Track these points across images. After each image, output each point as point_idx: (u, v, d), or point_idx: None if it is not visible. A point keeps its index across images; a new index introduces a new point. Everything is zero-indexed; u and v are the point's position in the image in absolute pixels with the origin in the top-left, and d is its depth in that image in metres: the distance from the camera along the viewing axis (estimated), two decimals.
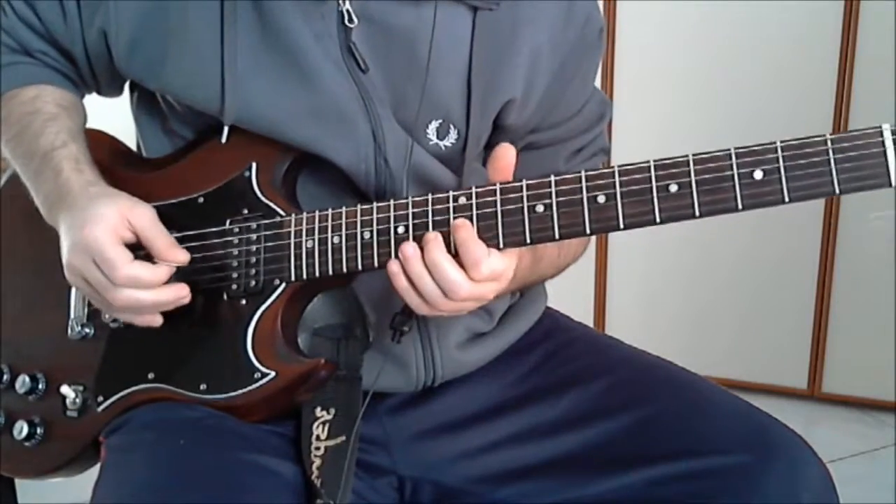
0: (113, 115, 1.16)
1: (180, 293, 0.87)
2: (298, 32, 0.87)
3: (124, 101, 1.06)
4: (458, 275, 0.78)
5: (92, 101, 1.06)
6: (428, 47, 0.88)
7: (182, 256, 0.87)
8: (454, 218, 0.80)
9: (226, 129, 0.91)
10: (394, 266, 0.81)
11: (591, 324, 2.50)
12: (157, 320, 0.88)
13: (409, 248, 0.80)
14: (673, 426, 0.91)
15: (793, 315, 2.40)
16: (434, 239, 0.79)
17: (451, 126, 0.92)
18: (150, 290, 0.85)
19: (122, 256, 0.84)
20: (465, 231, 0.79)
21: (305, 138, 0.88)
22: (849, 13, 2.19)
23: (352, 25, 0.87)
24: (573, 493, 0.91)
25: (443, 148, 0.93)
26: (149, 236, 0.86)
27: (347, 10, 0.87)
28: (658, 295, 2.51)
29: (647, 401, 0.93)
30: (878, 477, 2.09)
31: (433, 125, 0.92)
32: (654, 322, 2.50)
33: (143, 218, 0.87)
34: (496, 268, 0.79)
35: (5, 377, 1.00)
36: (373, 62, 0.88)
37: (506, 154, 0.81)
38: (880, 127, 0.70)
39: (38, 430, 0.97)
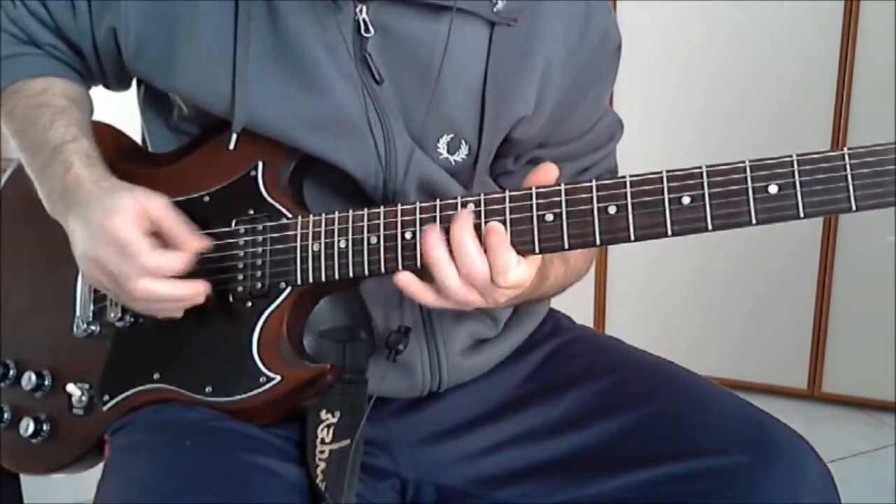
0: (118, 107, 1.16)
1: (199, 289, 0.86)
2: (312, 42, 0.86)
3: (131, 94, 1.05)
4: (483, 265, 0.77)
5: (97, 92, 1.05)
6: (444, 61, 0.87)
7: (200, 243, 0.87)
8: (485, 222, 0.78)
9: (234, 137, 0.90)
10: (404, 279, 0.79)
11: (591, 324, 2.51)
12: (178, 312, 0.88)
13: (433, 237, 0.78)
14: (673, 426, 0.91)
15: (793, 315, 2.40)
16: (463, 220, 0.77)
17: (463, 141, 0.91)
18: (169, 283, 0.84)
19: (146, 245, 0.83)
20: (498, 236, 0.77)
21: (315, 148, 0.88)
22: (849, 14, 2.19)
23: (367, 35, 0.87)
24: (574, 494, 0.91)
25: (453, 163, 0.92)
26: (168, 225, 0.85)
27: (364, 20, 0.86)
28: (658, 295, 2.52)
29: (647, 401, 0.93)
30: (878, 477, 2.09)
31: (444, 139, 0.91)
32: (654, 322, 2.51)
33: (160, 208, 0.86)
34: (521, 276, 0.78)
35: (11, 373, 1.01)
36: (387, 73, 0.88)
37: (547, 173, 0.79)
38: None
39: (44, 428, 0.98)
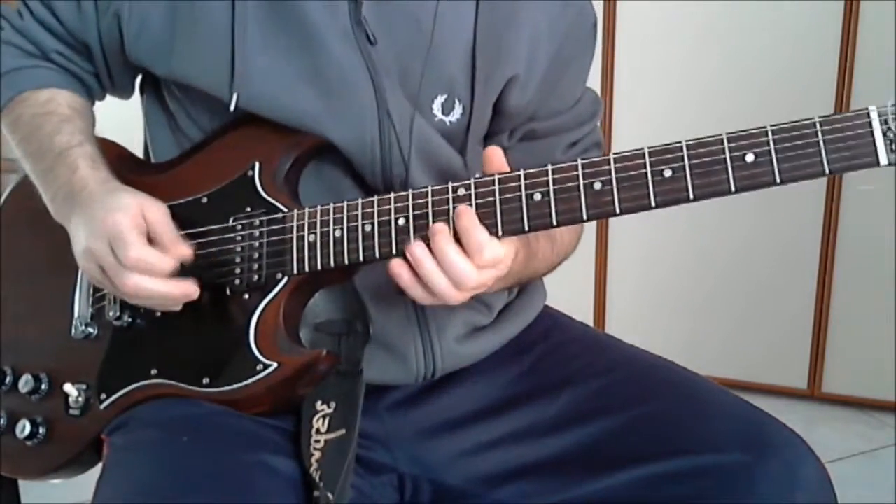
0: (120, 121, 1.17)
1: (189, 290, 0.88)
2: (308, 7, 0.88)
3: (132, 107, 1.07)
4: (466, 265, 0.80)
5: (99, 105, 1.07)
6: (436, 22, 0.90)
7: (185, 251, 0.88)
8: (454, 209, 0.81)
9: (234, 102, 0.90)
10: (396, 266, 0.82)
11: (591, 323, 2.50)
12: (177, 306, 0.89)
13: (418, 249, 0.81)
14: (671, 425, 0.91)
15: (793, 315, 2.40)
16: (441, 231, 0.81)
17: (457, 101, 0.94)
18: (159, 281, 0.86)
19: (137, 240, 0.86)
20: (468, 218, 0.80)
21: (311, 113, 0.90)
22: (849, 13, 2.19)
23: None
24: (571, 492, 0.91)
25: (448, 124, 0.94)
26: (158, 231, 0.88)
27: None
28: (658, 294, 2.52)
29: (645, 400, 0.94)
30: (878, 477, 2.09)
31: (438, 100, 0.93)
32: (653, 321, 2.51)
33: (156, 213, 0.88)
34: (497, 253, 0.81)
35: (8, 378, 1.01)
36: (381, 35, 0.90)
37: (495, 155, 0.83)
38: (867, 108, 0.73)
39: (41, 430, 0.98)
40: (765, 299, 2.42)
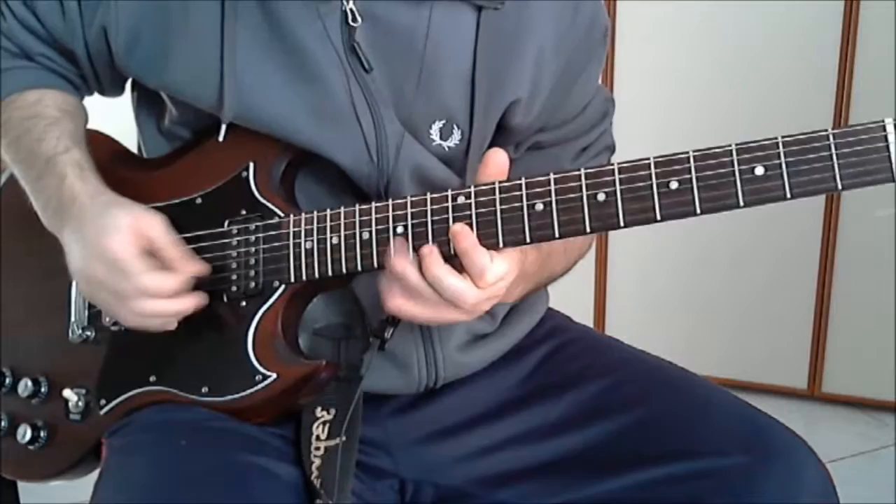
0: (113, 116, 1.16)
1: (200, 302, 0.87)
2: (301, 32, 0.87)
3: (125, 102, 1.06)
4: (461, 283, 0.78)
5: (91, 102, 1.05)
6: (432, 47, 0.88)
7: (198, 267, 0.87)
8: (453, 219, 0.79)
9: (223, 128, 0.90)
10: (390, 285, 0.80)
11: (591, 324, 2.50)
12: (172, 325, 0.88)
13: (408, 267, 0.79)
14: (672, 427, 0.91)
15: (793, 314, 2.40)
16: (430, 254, 0.78)
17: (455, 126, 0.92)
18: (168, 301, 0.85)
19: (141, 266, 0.84)
20: (467, 240, 0.78)
21: (306, 138, 0.88)
22: (849, 13, 2.19)
23: (355, 25, 0.87)
24: (573, 495, 0.91)
25: (446, 149, 0.92)
26: (162, 247, 0.86)
27: (351, 10, 0.87)
28: (658, 295, 2.51)
29: (646, 402, 0.93)
30: (878, 477, 2.09)
31: (436, 125, 0.91)
32: (653, 322, 2.50)
33: (155, 228, 0.86)
34: (500, 272, 0.79)
35: (7, 380, 1.00)
36: (376, 62, 0.88)
37: (496, 159, 0.80)
38: (883, 121, 0.69)
39: (42, 434, 0.97)
40: (765, 299, 2.42)
